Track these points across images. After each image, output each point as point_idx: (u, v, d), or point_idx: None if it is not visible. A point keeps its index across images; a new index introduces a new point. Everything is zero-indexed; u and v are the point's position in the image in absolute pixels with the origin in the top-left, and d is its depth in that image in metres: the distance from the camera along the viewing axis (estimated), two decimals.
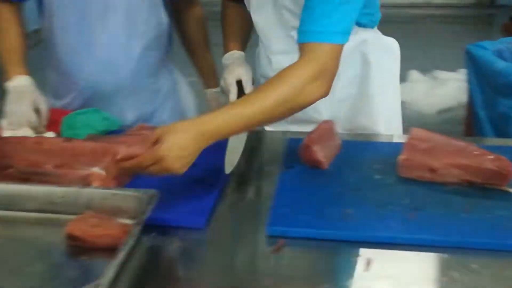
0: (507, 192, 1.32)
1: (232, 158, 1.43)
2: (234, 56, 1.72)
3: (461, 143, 1.40)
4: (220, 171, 1.44)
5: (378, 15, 1.71)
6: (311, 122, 1.69)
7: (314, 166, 1.45)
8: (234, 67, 1.68)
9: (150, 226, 1.23)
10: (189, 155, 1.24)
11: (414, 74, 4.89)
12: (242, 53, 1.75)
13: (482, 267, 1.12)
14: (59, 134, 1.60)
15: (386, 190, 1.34)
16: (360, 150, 1.55)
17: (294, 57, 1.42)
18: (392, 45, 1.76)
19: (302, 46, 1.35)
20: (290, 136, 1.65)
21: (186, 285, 1.13)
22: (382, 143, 1.62)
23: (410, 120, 4.19)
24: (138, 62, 1.77)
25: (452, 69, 4.92)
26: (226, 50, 1.75)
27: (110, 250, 1.13)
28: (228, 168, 1.41)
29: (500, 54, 3.02)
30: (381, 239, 1.19)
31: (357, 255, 1.16)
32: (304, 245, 1.20)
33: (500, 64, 2.78)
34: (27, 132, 1.55)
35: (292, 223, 1.23)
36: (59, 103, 1.82)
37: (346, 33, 1.36)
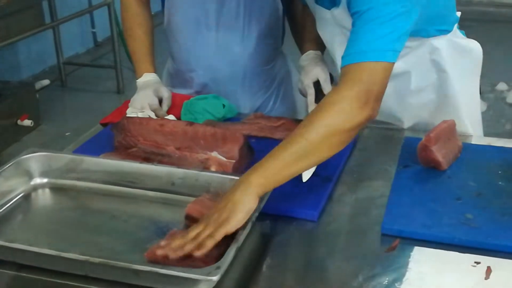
0: None
1: None
2: (309, 56, 1.70)
3: None
4: (334, 165, 1.43)
5: (454, 20, 1.61)
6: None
7: (432, 166, 1.41)
8: (310, 68, 1.65)
9: (263, 214, 1.24)
10: (241, 206, 1.12)
11: None
12: (318, 52, 1.71)
13: None
14: (179, 118, 1.66)
15: (511, 198, 1.28)
16: (481, 154, 1.49)
17: None
18: (471, 47, 1.64)
19: (342, 70, 1.26)
20: (407, 135, 1.62)
21: (294, 276, 1.13)
22: (505, 148, 1.54)
23: None
24: (254, 48, 1.80)
25: None
26: (302, 52, 1.73)
27: None
28: (306, 176, 1.35)
29: None
30: (504, 248, 1.13)
31: (476, 262, 1.12)
32: (420, 247, 1.17)
33: None
34: (149, 114, 1.62)
35: (408, 223, 1.21)
36: (177, 92, 1.87)
37: (389, 51, 1.24)
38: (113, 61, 4.62)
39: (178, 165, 1.37)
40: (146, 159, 1.42)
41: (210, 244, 1.07)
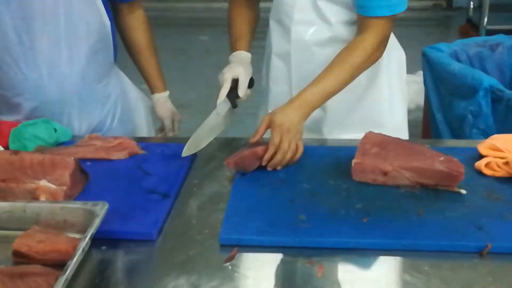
0: (458, 194, 1.33)
1: (193, 145, 1.52)
2: (239, 56, 1.71)
3: (413, 146, 1.41)
4: (172, 180, 1.42)
5: None
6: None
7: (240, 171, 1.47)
8: (235, 65, 1.66)
9: (101, 239, 1.20)
10: (301, 128, 1.50)
11: None
12: (248, 54, 1.73)
13: (434, 269, 1.12)
14: (7, 147, 1.56)
15: (340, 195, 1.34)
16: (318, 155, 1.54)
17: (315, 29, 1.66)
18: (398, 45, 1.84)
19: (366, 19, 1.56)
20: (245, 143, 1.63)
21: None
22: (339, 147, 1.61)
23: None
24: (84, 67, 1.73)
25: (411, 71, 4.96)
26: (233, 49, 1.73)
27: (59, 265, 1.10)
28: (186, 152, 1.51)
29: (456, 56, 3.05)
30: (334, 244, 1.18)
31: (310, 261, 1.15)
32: (257, 253, 1.19)
33: (456, 66, 2.80)
34: None
35: (245, 230, 1.22)
36: (5, 119, 1.76)
37: (401, 3, 1.56)
38: None
39: (4, 199, 1.28)
40: None
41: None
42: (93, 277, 1.15)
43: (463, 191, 1.33)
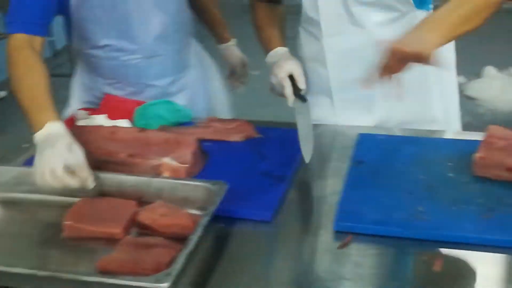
0: None
1: (307, 147, 1.45)
2: (278, 53, 1.67)
3: None
4: (288, 164, 1.44)
5: None
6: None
7: None
8: (282, 62, 1.61)
9: (217, 217, 1.24)
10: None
11: (490, 71, 4.71)
12: (286, 49, 1.69)
13: None
14: (132, 124, 1.64)
15: (460, 188, 1.30)
16: (432, 147, 1.50)
17: (348, 37, 1.58)
18: None
19: None
20: (359, 132, 1.62)
21: (250, 278, 1.12)
22: (455, 140, 1.56)
23: (484, 117, 4.07)
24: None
25: None
26: (269, 49, 1.70)
27: (179, 239, 1.15)
28: (307, 157, 1.43)
29: None
30: (453, 238, 1.15)
31: (427, 254, 1.13)
32: (371, 242, 1.18)
33: None
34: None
35: (360, 219, 1.22)
36: None
37: None
38: (71, 70, 4.54)
39: (131, 173, 1.35)
40: (98, 168, 1.39)
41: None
42: (211, 252, 1.19)
43: None
